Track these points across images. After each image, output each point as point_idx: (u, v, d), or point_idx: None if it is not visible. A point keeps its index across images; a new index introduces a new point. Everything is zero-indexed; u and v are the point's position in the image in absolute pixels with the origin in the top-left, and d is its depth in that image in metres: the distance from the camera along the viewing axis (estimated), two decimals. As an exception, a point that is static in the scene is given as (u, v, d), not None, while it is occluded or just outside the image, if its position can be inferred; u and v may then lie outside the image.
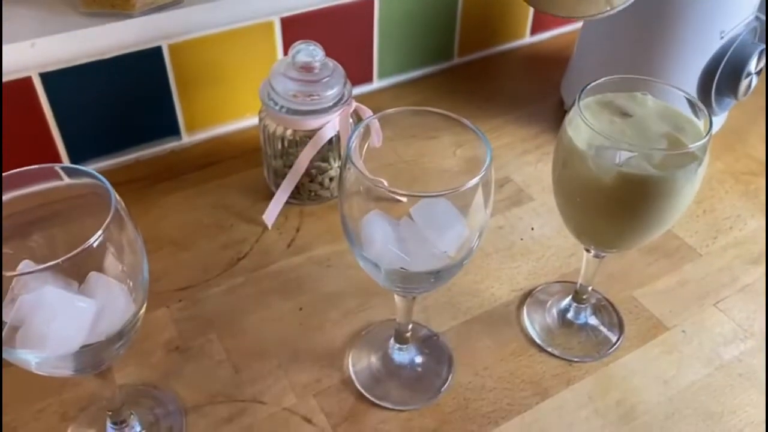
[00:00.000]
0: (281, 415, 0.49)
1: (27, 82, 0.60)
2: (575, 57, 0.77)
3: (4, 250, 0.41)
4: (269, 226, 0.64)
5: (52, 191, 0.40)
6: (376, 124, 0.64)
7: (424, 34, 0.81)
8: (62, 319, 0.36)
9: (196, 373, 0.51)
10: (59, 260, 0.33)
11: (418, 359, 0.52)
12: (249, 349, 0.53)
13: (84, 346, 0.37)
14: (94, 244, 0.34)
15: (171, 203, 0.66)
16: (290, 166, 0.63)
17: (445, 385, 0.51)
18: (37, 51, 0.58)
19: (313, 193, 0.65)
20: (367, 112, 0.64)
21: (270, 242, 0.63)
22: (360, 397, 0.50)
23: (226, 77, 0.71)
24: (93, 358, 0.38)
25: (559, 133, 0.46)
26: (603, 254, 0.50)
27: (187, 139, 0.72)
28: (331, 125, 0.61)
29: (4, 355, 0.36)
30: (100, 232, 0.34)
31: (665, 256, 0.62)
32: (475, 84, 0.83)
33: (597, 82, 0.45)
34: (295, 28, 0.71)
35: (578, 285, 0.54)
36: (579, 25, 0.93)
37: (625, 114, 0.45)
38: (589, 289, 0.54)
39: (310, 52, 0.60)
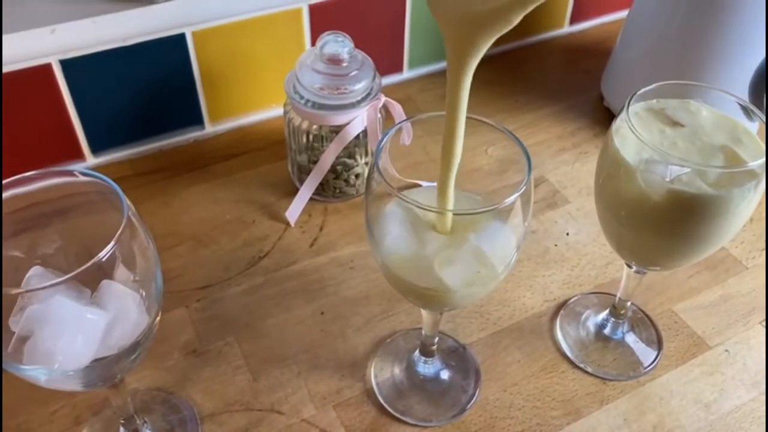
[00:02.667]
0: (299, 426, 0.47)
1: (46, 68, 0.59)
2: (617, 50, 0.72)
3: (15, 252, 0.39)
4: (292, 224, 0.61)
5: (62, 188, 0.38)
6: (401, 115, 0.62)
7: (459, 23, 0.77)
8: (70, 333, 0.34)
9: (213, 378, 0.50)
10: (68, 276, 0.31)
11: (444, 372, 0.50)
12: (268, 355, 0.51)
13: (95, 360, 0.35)
14: (105, 258, 0.32)
15: (193, 196, 0.64)
16: (315, 162, 0.61)
17: (472, 402, 0.49)
18: (57, 37, 0.56)
19: (338, 190, 0.63)
20: (396, 107, 0.61)
21: (292, 240, 0.60)
22: (382, 410, 0.48)
23: (252, 66, 0.68)
24: (104, 372, 0.36)
25: (604, 140, 0.42)
26: (645, 271, 0.47)
27: (210, 128, 0.70)
28: (358, 121, 0.58)
29: (12, 371, 0.35)
30: (112, 243, 0.32)
31: (708, 269, 0.58)
32: (511, 75, 0.80)
33: (647, 88, 0.42)
34: (323, 16, 0.68)
35: (617, 299, 0.51)
36: (622, 15, 0.88)
37: (676, 123, 0.42)
38: (628, 304, 0.51)
39: (339, 43, 0.57)
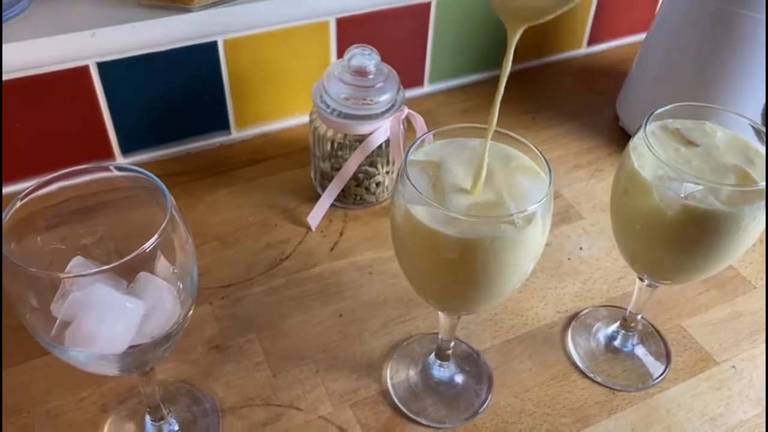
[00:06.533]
0: (317, 423, 0.49)
1: (84, 70, 0.61)
2: (634, 72, 0.74)
3: (57, 243, 0.41)
4: (313, 229, 0.63)
5: (104, 182, 0.40)
6: (422, 128, 0.64)
7: (479, 40, 0.79)
8: (111, 319, 0.36)
9: (234, 373, 0.51)
10: (113, 264, 0.33)
11: (458, 377, 0.51)
12: (287, 353, 0.53)
13: (131, 347, 0.37)
14: (148, 249, 0.34)
15: (217, 199, 0.66)
16: (338, 169, 0.63)
17: (484, 406, 0.50)
18: (97, 40, 0.59)
19: (358, 198, 0.65)
20: (418, 119, 0.63)
21: (313, 244, 0.62)
22: (396, 410, 0.50)
23: (279, 75, 0.71)
24: (139, 359, 0.38)
25: (621, 157, 0.44)
26: (657, 285, 0.48)
27: (236, 134, 0.72)
28: (382, 131, 0.60)
29: (55, 353, 0.37)
30: (156, 236, 0.34)
31: (717, 287, 0.60)
32: (528, 93, 0.82)
33: (663, 108, 0.44)
34: (349, 29, 0.70)
35: (627, 312, 0.53)
36: (637, 38, 0.90)
37: (691, 143, 0.43)
38: (639, 317, 0.53)
39: (366, 56, 0.59)
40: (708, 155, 0.43)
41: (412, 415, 0.49)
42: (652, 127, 0.44)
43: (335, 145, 0.62)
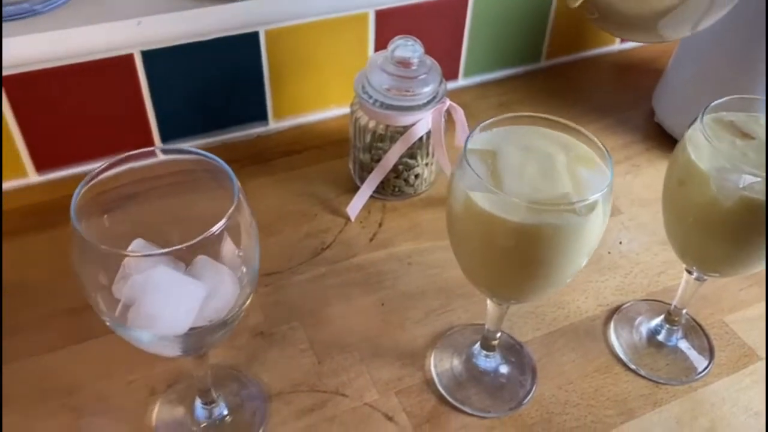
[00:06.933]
0: (363, 410, 0.49)
1: (129, 58, 0.62)
2: (671, 68, 0.74)
3: (118, 225, 0.41)
4: (352, 219, 0.64)
5: (165, 165, 0.41)
6: (462, 120, 0.64)
7: (515, 35, 0.79)
8: (174, 301, 0.36)
9: (279, 360, 0.52)
10: (182, 246, 0.34)
11: (503, 367, 0.52)
12: (331, 340, 0.53)
13: (191, 329, 0.37)
14: (216, 232, 0.34)
15: (256, 188, 0.66)
16: (377, 160, 0.63)
17: (529, 396, 0.50)
18: (143, 29, 0.59)
19: (397, 189, 0.65)
20: (458, 111, 0.63)
21: (352, 235, 0.63)
22: (441, 399, 0.50)
23: (316, 66, 0.71)
24: (199, 342, 0.39)
25: (675, 149, 0.44)
26: (705, 277, 0.48)
27: (273, 125, 0.73)
28: (423, 123, 0.60)
29: (119, 332, 0.37)
30: (224, 220, 0.35)
31: (758, 283, 0.59)
32: (562, 88, 0.82)
33: (719, 101, 0.44)
34: (388, 21, 0.70)
35: (672, 306, 0.53)
36: (672, 34, 0.90)
37: (746, 135, 0.43)
38: (683, 311, 0.52)
39: (410, 48, 0.59)
40: (763, 147, 0.43)
41: (457, 404, 0.49)
42: (706, 119, 0.44)
43: (376, 136, 0.62)
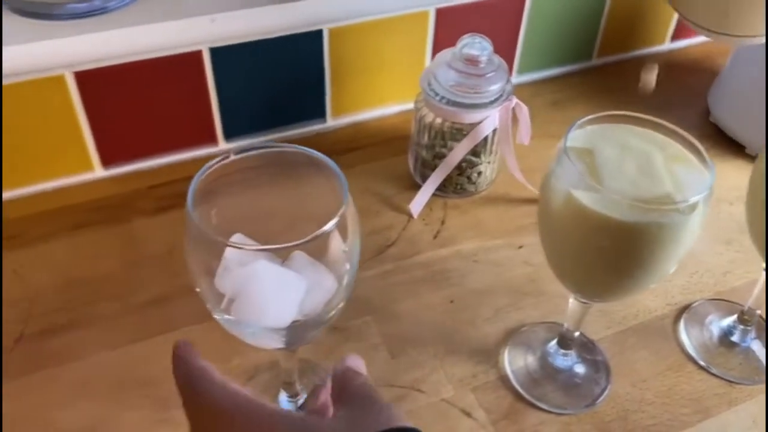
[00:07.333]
0: (440, 405, 0.49)
1: (197, 55, 0.62)
2: (728, 68, 0.74)
3: (217, 218, 0.41)
4: (415, 216, 0.64)
5: (269, 157, 0.41)
6: (526, 118, 0.64)
7: (568, 33, 0.79)
8: (278, 294, 0.37)
9: (354, 353, 0.52)
10: (300, 242, 0.34)
11: (578, 365, 0.52)
12: (404, 336, 0.54)
13: (294, 322, 0.38)
14: (329, 230, 0.35)
15: (318, 185, 0.66)
16: (438, 157, 0.63)
17: (604, 394, 0.50)
18: (215, 26, 0.60)
19: (459, 187, 0.65)
20: (524, 109, 0.64)
21: (416, 232, 0.63)
22: (517, 396, 0.50)
23: (375, 65, 0.71)
24: (299, 336, 0.39)
25: (756, 162, 0.44)
26: (787, 278, 0.48)
27: (331, 122, 0.73)
28: (490, 120, 0.61)
29: (224, 324, 0.38)
30: (336, 218, 0.35)
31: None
32: (613, 86, 0.82)
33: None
34: (447, 20, 0.71)
35: (746, 307, 0.53)
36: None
37: None
38: (758, 312, 0.53)
39: (479, 45, 0.60)
40: None
41: (533, 401, 0.50)
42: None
43: (439, 134, 0.62)
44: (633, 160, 0.39)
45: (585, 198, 0.37)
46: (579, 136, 0.41)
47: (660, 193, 0.37)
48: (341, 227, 0.36)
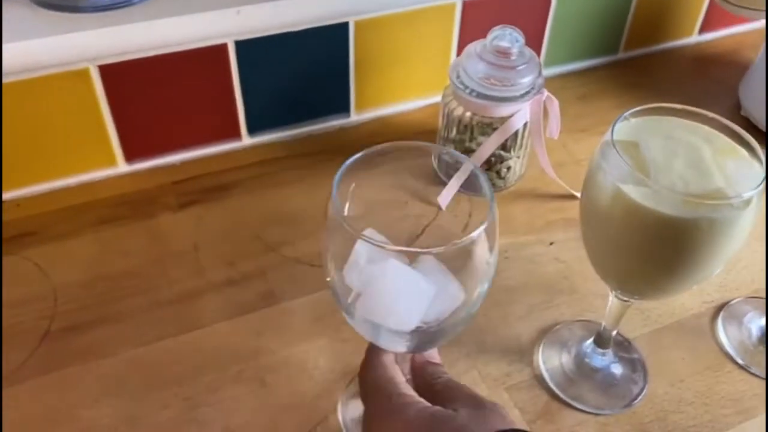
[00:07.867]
0: (475, 405, 0.48)
1: (222, 48, 0.61)
2: (759, 61, 0.72)
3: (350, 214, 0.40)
4: (443, 208, 0.63)
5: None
6: (556, 112, 0.63)
7: (595, 26, 0.78)
8: (406, 296, 0.36)
9: (385, 353, 0.51)
10: (443, 247, 0.33)
11: (614, 364, 0.51)
12: (435, 335, 0.53)
13: (416, 328, 0.36)
14: (476, 237, 0.34)
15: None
16: (465, 151, 0.62)
17: (642, 394, 0.49)
18: (240, 18, 0.59)
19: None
20: (554, 102, 0.62)
21: (445, 223, 0.62)
22: (553, 395, 0.49)
23: (399, 58, 0.70)
24: (422, 342, 0.38)
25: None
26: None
27: (354, 117, 0.72)
28: (522, 114, 0.59)
29: (350, 321, 0.37)
30: (485, 223, 0.35)
31: None
32: (641, 80, 0.80)
33: None
34: (474, 12, 0.69)
35: (788, 304, 0.51)
36: (751, 27, 0.88)
37: None
38: (800, 309, 0.51)
39: (511, 37, 0.58)
40: None
41: (569, 401, 0.49)
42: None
43: (468, 128, 0.61)
44: (681, 154, 0.38)
45: (634, 193, 0.36)
46: (623, 129, 0.40)
47: (710, 187, 0.36)
48: (489, 237, 0.35)
